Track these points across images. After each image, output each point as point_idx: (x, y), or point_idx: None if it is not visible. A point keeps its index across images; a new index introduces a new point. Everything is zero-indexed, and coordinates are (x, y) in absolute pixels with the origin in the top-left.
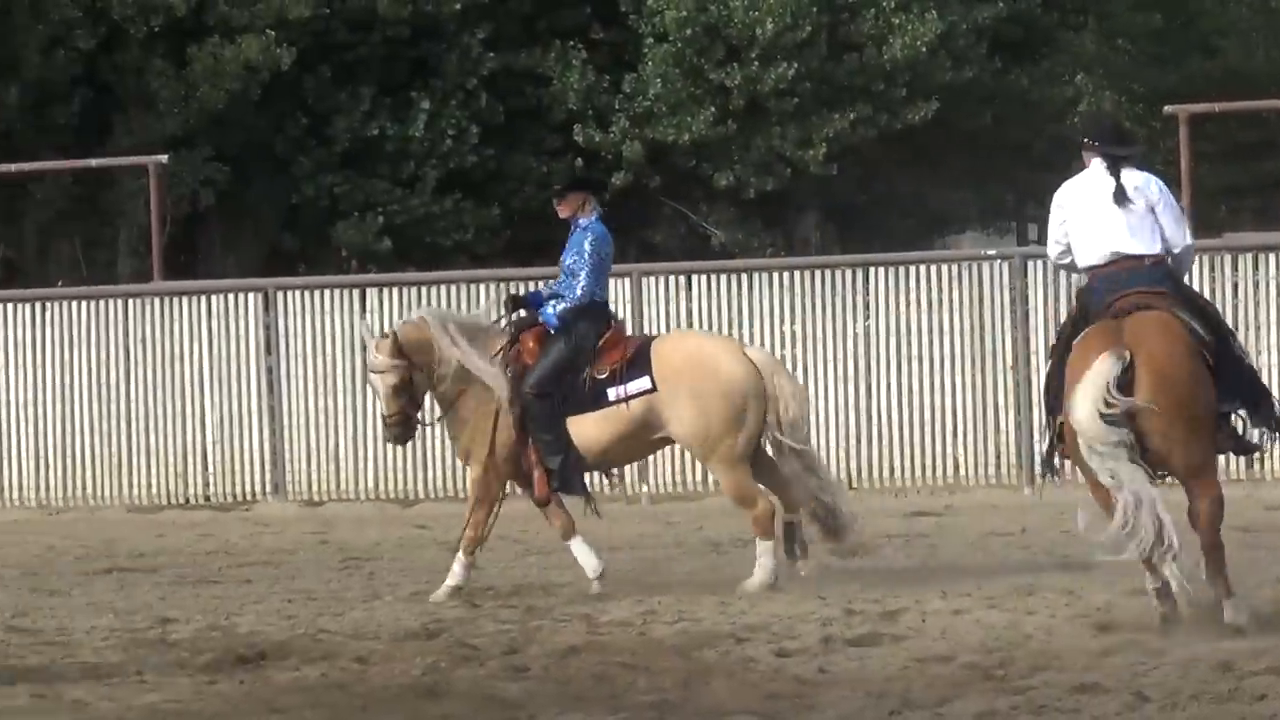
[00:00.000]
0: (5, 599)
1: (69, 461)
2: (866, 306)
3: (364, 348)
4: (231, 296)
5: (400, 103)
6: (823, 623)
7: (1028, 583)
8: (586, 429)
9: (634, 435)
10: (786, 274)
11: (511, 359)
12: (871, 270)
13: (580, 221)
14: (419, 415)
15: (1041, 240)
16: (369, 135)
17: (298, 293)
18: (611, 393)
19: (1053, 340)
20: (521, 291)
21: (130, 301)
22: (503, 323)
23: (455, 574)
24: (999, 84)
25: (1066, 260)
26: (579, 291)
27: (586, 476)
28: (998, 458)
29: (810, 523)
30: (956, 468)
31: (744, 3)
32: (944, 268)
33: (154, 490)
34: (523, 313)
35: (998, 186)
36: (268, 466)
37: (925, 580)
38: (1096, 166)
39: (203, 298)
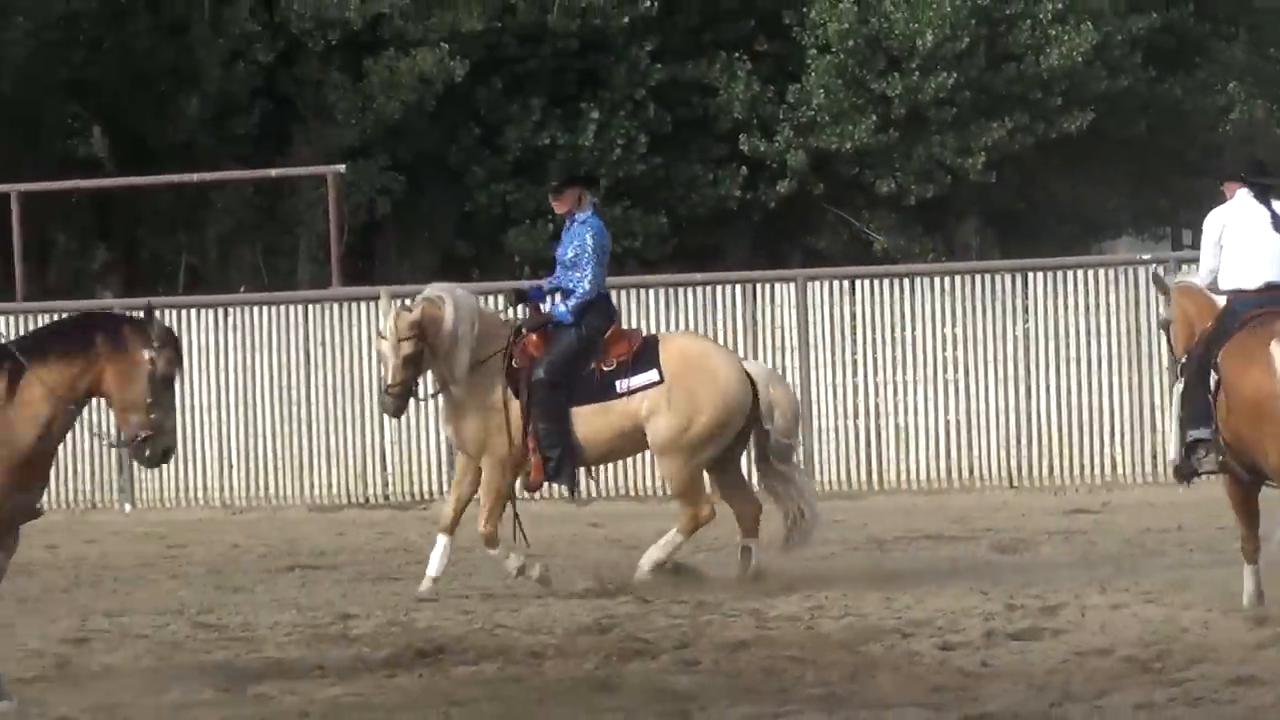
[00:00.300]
0: (192, 596)
1: (252, 463)
2: (1025, 310)
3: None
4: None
5: (570, 113)
6: (985, 617)
7: (1184, 578)
8: (591, 421)
9: (635, 429)
10: (947, 278)
11: (518, 353)
12: (1030, 275)
13: (578, 216)
14: (416, 389)
15: (1194, 245)
16: (540, 144)
17: (476, 298)
18: (619, 384)
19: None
20: (526, 286)
21: (310, 307)
22: (512, 317)
23: (435, 565)
24: (1153, 93)
25: (1212, 282)
26: (587, 285)
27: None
28: (1154, 457)
29: (785, 524)
30: (1114, 466)
31: (904, 14)
32: (1100, 272)
33: (334, 490)
34: (527, 311)
35: (1152, 193)
36: (444, 466)
37: (1084, 576)
38: (1244, 197)
39: (379, 303)
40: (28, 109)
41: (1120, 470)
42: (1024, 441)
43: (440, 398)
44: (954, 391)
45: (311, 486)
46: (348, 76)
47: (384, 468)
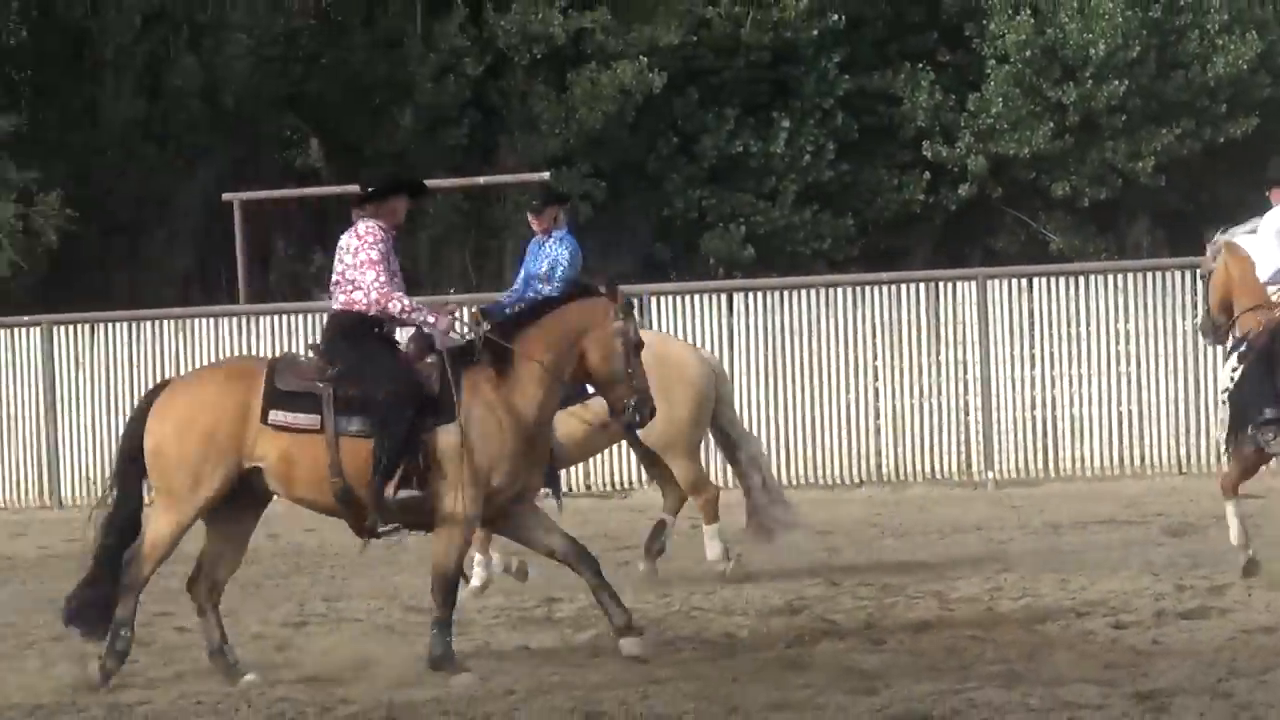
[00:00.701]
0: (405, 581)
1: None
2: (1194, 306)
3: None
4: None
5: (762, 122)
6: (1155, 598)
7: None
8: (568, 422)
9: (604, 427)
10: (1119, 276)
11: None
12: (1197, 272)
13: (555, 234)
14: None
15: None
16: (734, 152)
17: (671, 298)
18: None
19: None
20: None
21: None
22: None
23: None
24: None
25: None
26: None
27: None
28: None
29: (753, 513)
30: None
31: (1078, 26)
32: None
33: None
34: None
35: None
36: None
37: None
38: None
39: None
40: (249, 122)
41: None
42: (1193, 430)
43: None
44: (1126, 383)
45: None
46: (552, 89)
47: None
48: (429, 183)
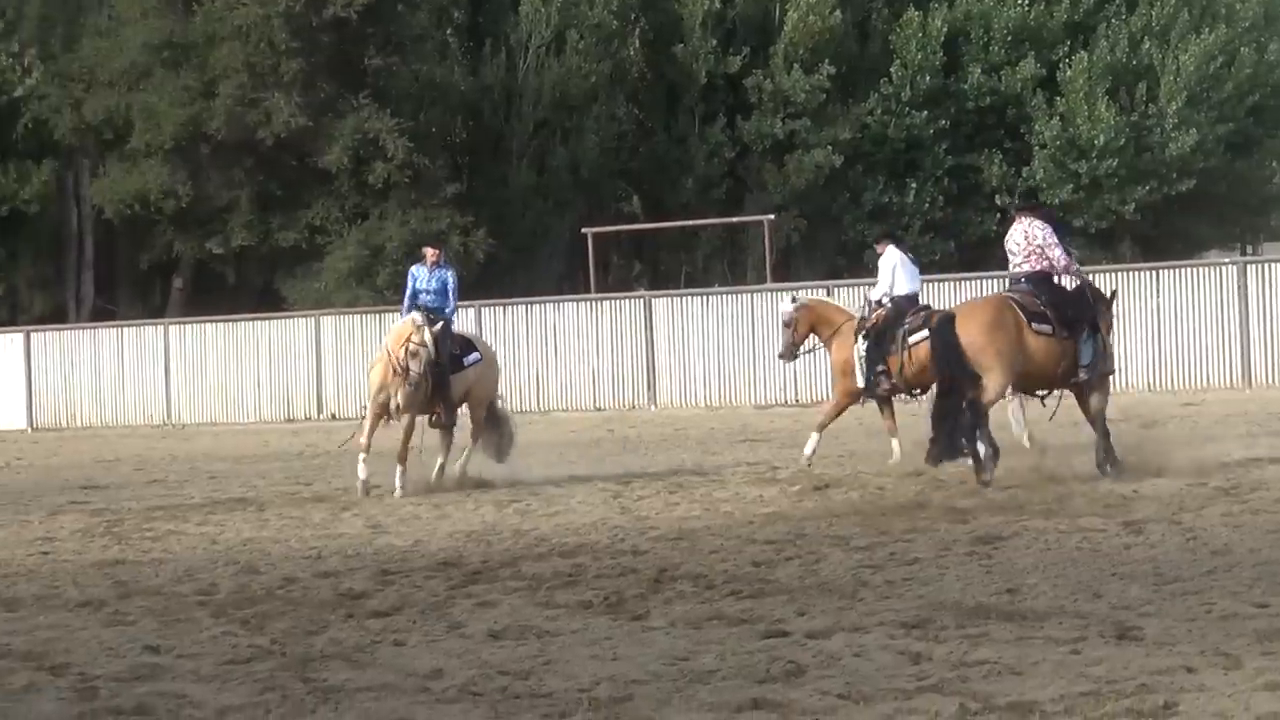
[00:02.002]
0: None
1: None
2: (1154, 294)
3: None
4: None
5: (899, 184)
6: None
7: None
8: (457, 384)
9: (476, 385)
10: (1113, 274)
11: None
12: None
13: (441, 263)
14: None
15: None
16: (883, 202)
17: (849, 289)
18: (466, 360)
19: None
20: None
21: (755, 296)
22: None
23: None
24: None
25: None
26: (454, 304)
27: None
28: None
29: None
30: None
31: (1088, 126)
32: None
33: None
34: (431, 321)
35: None
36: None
37: None
38: None
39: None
40: (596, 186)
41: None
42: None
43: None
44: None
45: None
46: (774, 165)
47: None
48: (701, 222)
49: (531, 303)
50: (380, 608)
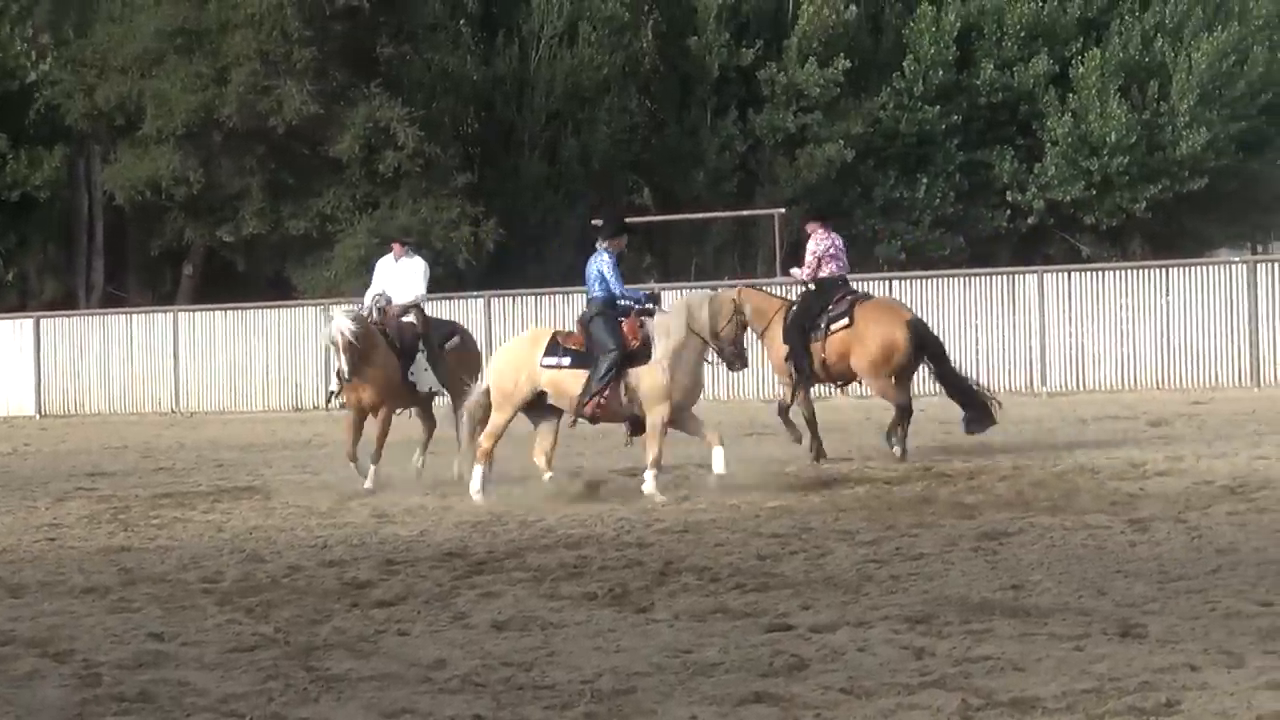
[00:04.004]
0: None
1: None
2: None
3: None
4: None
5: (910, 179)
6: (1139, 463)
7: None
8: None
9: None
10: (1123, 271)
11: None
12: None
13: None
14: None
15: None
16: (894, 197)
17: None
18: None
19: None
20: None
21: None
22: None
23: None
24: None
25: None
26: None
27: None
28: None
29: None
30: None
31: (1100, 123)
32: None
33: None
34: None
35: None
36: None
37: None
38: None
39: None
40: (607, 177)
41: None
42: (1161, 359)
43: None
44: (1128, 329)
45: None
46: (786, 159)
47: None
48: (711, 215)
49: (541, 293)
50: (385, 597)
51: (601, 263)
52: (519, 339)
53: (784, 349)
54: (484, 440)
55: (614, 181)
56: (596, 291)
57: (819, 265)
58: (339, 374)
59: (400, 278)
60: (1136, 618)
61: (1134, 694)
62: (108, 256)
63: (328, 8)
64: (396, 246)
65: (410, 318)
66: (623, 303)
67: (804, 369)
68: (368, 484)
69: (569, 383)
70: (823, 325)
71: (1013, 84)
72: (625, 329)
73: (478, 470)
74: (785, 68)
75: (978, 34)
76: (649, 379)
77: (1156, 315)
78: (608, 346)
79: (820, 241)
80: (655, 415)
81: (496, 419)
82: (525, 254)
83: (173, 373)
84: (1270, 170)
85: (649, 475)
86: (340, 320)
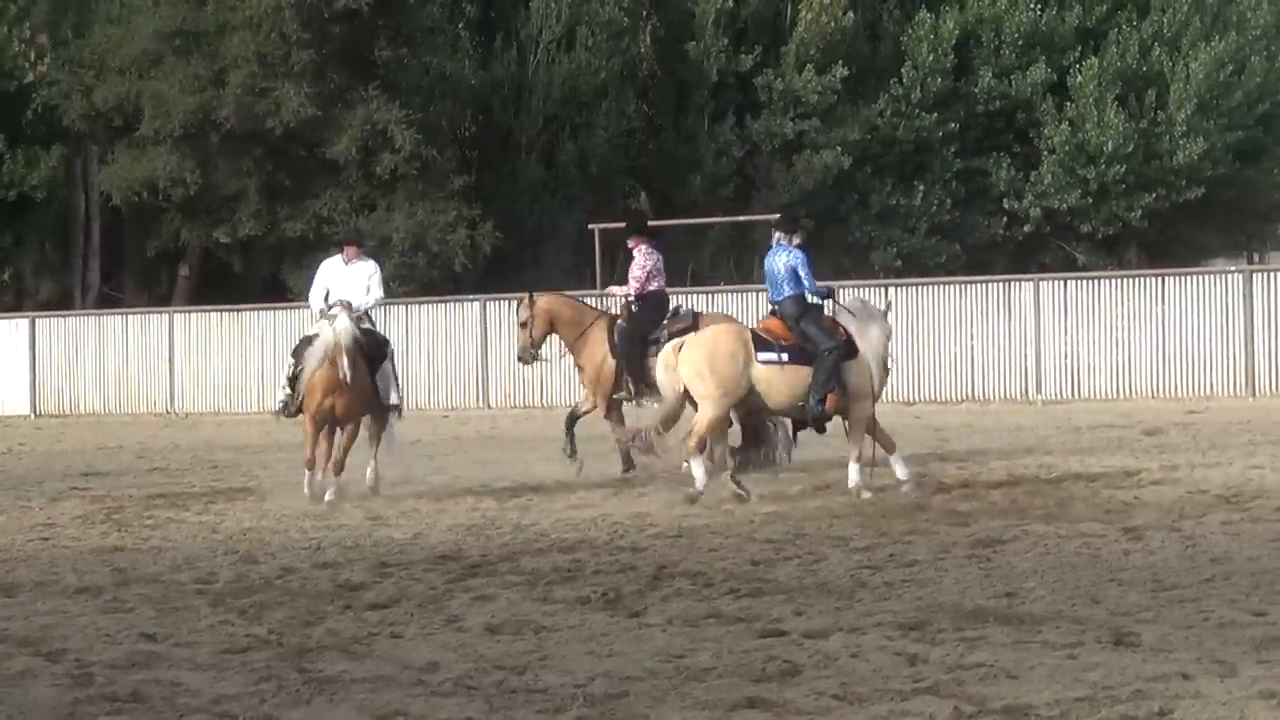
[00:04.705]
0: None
1: None
2: (1161, 301)
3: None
4: None
5: (907, 186)
6: (1134, 473)
7: None
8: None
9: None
10: (1119, 280)
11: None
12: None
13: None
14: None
15: None
16: (890, 204)
17: (847, 291)
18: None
19: None
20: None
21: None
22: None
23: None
24: None
25: None
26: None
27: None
28: None
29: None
30: None
31: (1097, 131)
32: None
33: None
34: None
35: None
36: None
37: None
38: None
39: None
40: (604, 181)
41: None
42: (1159, 364)
43: None
44: (1124, 337)
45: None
46: (783, 165)
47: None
48: (709, 220)
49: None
50: (378, 600)
51: (796, 259)
52: (714, 334)
53: (599, 360)
54: (699, 437)
55: (611, 186)
56: (787, 289)
57: (647, 280)
58: (291, 379)
59: (350, 281)
60: (1130, 626)
61: (1127, 702)
62: (104, 257)
63: (326, 10)
64: (350, 249)
65: (367, 324)
66: (813, 299)
67: (639, 382)
68: (329, 496)
69: (783, 378)
70: (663, 340)
71: (1010, 92)
72: (828, 325)
73: (698, 468)
74: (783, 74)
75: (976, 42)
76: (855, 374)
77: (1152, 324)
78: (829, 343)
79: (648, 257)
80: (860, 410)
81: (712, 414)
82: (522, 257)
83: (168, 373)
84: (1267, 180)
85: (854, 469)
86: (343, 321)
